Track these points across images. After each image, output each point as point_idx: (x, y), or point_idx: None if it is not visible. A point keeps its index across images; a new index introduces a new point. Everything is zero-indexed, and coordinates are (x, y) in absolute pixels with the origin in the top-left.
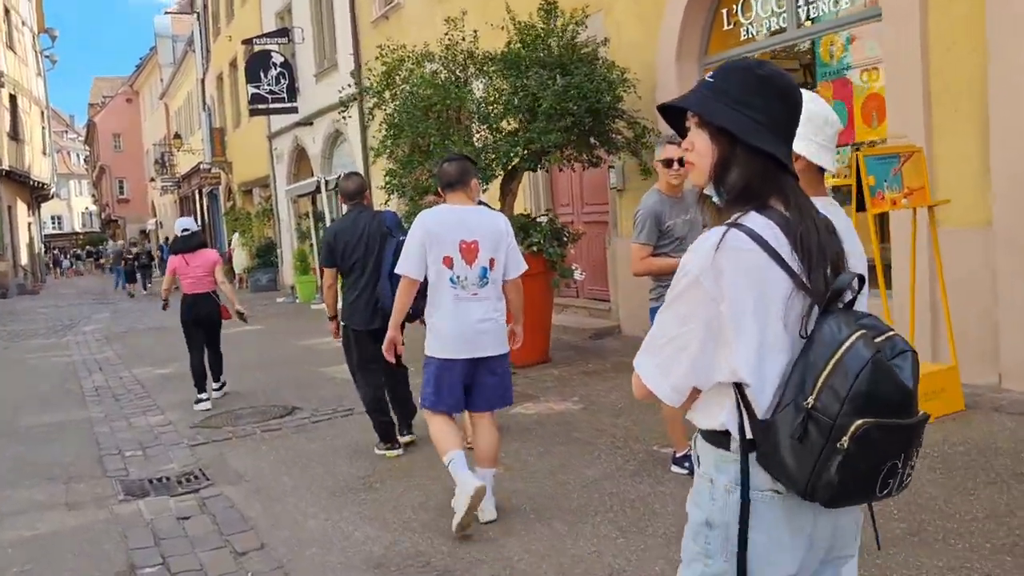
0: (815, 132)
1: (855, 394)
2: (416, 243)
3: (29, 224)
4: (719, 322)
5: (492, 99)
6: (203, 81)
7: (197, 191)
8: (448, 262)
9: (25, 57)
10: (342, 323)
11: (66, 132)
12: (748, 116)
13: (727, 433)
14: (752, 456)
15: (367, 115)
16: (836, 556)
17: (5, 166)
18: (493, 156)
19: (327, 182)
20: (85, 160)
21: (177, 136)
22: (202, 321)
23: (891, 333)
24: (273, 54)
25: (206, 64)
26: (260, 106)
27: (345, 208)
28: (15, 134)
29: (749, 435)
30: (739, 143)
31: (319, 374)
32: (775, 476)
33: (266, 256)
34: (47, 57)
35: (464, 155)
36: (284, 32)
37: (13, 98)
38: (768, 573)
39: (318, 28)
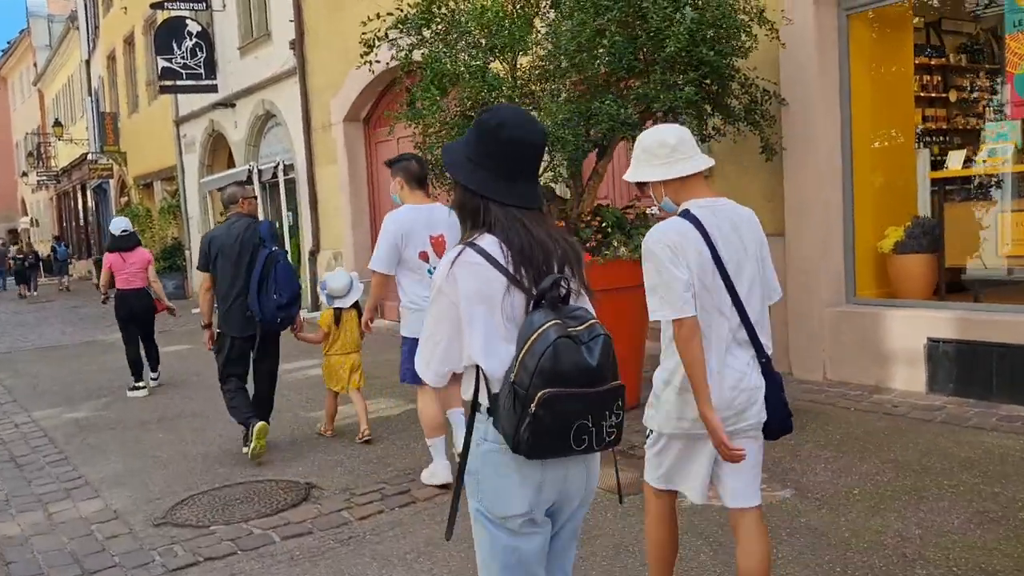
0: (651, 157)
1: (540, 369)
2: (390, 242)
3: None
4: (458, 319)
5: (583, 38)
6: (88, 62)
7: (80, 186)
8: (424, 256)
9: None
10: (217, 330)
11: None
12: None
13: (477, 403)
14: (489, 419)
15: (403, 53)
16: (570, 503)
17: None
18: (591, 120)
19: (260, 171)
20: None
21: (58, 123)
22: (137, 315)
23: (592, 322)
24: (188, 22)
25: (93, 43)
26: (172, 82)
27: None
28: None
29: (487, 403)
30: (460, 187)
31: (307, 420)
32: (502, 435)
33: (172, 259)
34: None
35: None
36: None
37: None
38: (500, 509)
39: None
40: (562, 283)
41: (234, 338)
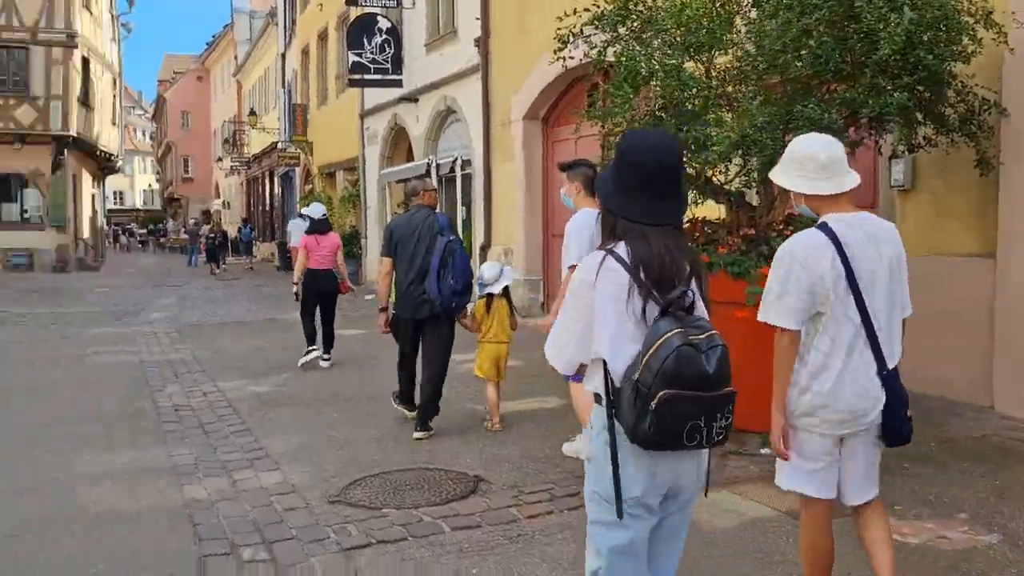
0: (799, 168)
1: (662, 372)
2: (586, 240)
3: (93, 196)
4: (592, 317)
5: (788, 38)
6: (284, 56)
7: (268, 173)
8: None
9: (100, 20)
10: (393, 312)
11: (134, 107)
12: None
13: (599, 394)
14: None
15: (596, 50)
16: (681, 493)
17: (73, 132)
18: (790, 124)
19: (438, 166)
20: (151, 137)
21: (252, 113)
22: (323, 294)
23: (712, 332)
24: (379, 18)
25: (289, 38)
26: (360, 76)
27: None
28: (85, 99)
29: (609, 397)
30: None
31: (476, 413)
32: (622, 425)
33: (349, 247)
34: (123, 25)
35: None
36: None
37: (86, 62)
38: (627, 490)
39: None
40: (687, 295)
41: (406, 320)
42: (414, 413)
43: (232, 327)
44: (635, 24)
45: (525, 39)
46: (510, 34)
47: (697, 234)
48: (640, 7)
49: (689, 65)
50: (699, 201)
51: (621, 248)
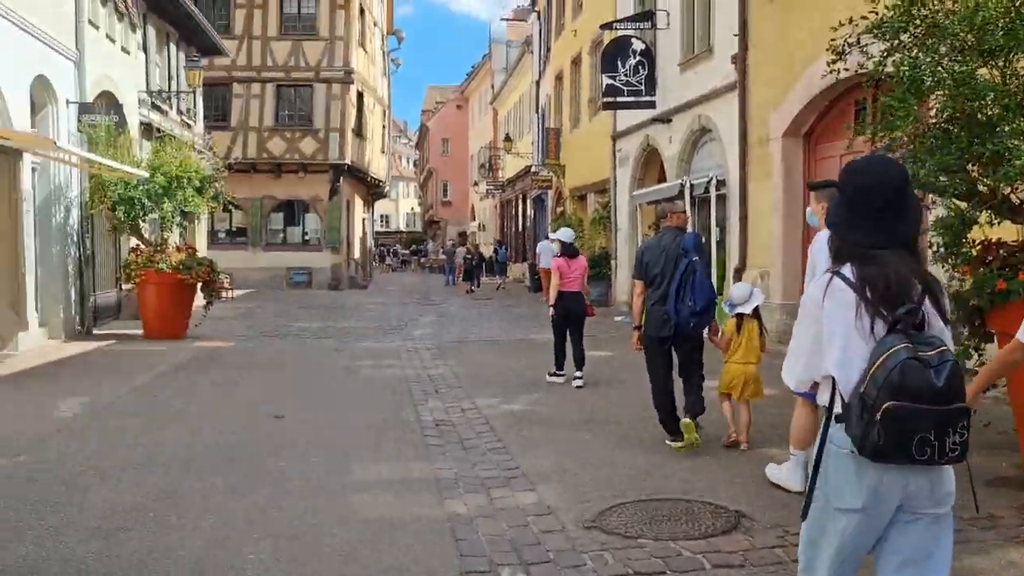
0: None
1: (887, 383)
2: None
3: (363, 220)
4: (821, 337)
5: None
6: (538, 83)
7: (521, 196)
8: None
9: (373, 57)
10: (643, 330)
11: (399, 136)
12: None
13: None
14: (839, 425)
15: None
16: (915, 511)
17: (348, 161)
18: None
19: (692, 186)
20: (414, 163)
21: (507, 138)
22: (573, 315)
23: (943, 348)
24: (633, 41)
25: (543, 65)
26: (614, 99)
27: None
28: (360, 131)
29: (839, 410)
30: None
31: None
32: (850, 438)
33: (598, 268)
34: (392, 60)
35: None
36: (647, 16)
37: (360, 96)
38: (836, 501)
39: (687, 9)
40: (917, 312)
41: (651, 337)
42: (679, 443)
43: (487, 345)
44: (919, 30)
45: (786, 52)
46: (769, 48)
47: (991, 258)
48: (924, 11)
49: (983, 71)
50: (994, 222)
51: (847, 269)
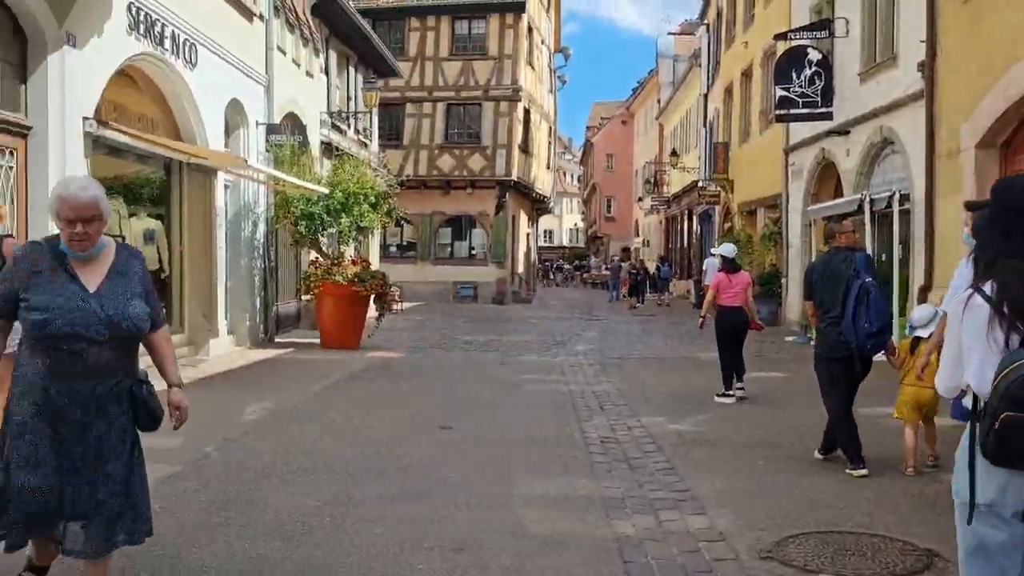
0: None
1: (1007, 394)
2: None
3: (528, 235)
4: (961, 348)
5: None
6: (706, 96)
7: (686, 211)
8: None
9: (541, 74)
10: (815, 351)
11: (564, 152)
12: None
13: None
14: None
15: None
16: None
17: (515, 176)
18: None
19: (872, 201)
20: (578, 179)
21: (674, 153)
22: (733, 329)
23: None
24: (809, 51)
25: (712, 78)
26: (787, 111)
27: None
28: (526, 147)
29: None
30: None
31: (929, 477)
32: (979, 440)
33: (768, 285)
34: (559, 77)
35: None
36: (824, 25)
37: (527, 113)
38: (965, 495)
39: (868, 16)
40: None
41: (827, 359)
42: (861, 471)
43: (651, 363)
44: None
45: (980, 57)
46: (960, 54)
47: None
48: None
49: None
50: None
51: (988, 286)
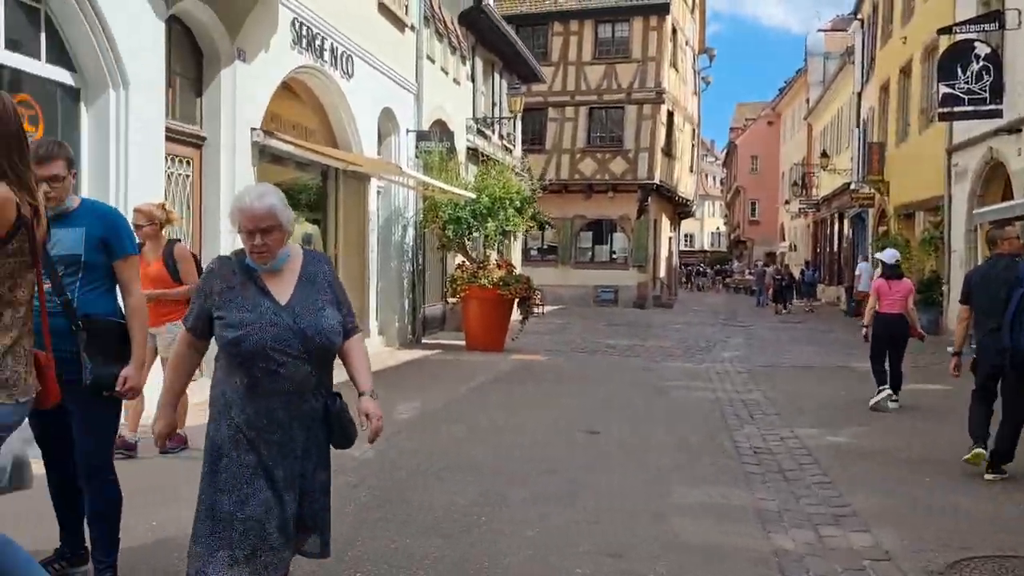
0: None
1: None
2: None
3: (670, 239)
4: None
5: None
6: (859, 95)
7: (837, 214)
8: None
9: (684, 76)
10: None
11: (706, 155)
12: None
13: None
14: None
15: None
16: None
17: (657, 180)
18: None
19: None
20: (721, 182)
21: (824, 154)
22: (891, 337)
23: None
24: (976, 44)
25: (866, 75)
26: (950, 109)
27: None
28: (669, 150)
29: None
30: None
31: None
32: None
33: (927, 292)
34: (703, 79)
35: None
36: (994, 17)
37: (670, 115)
38: None
39: None
40: None
41: (984, 368)
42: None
43: (801, 371)
44: None
45: None
46: None
47: None
48: None
49: None
50: None
51: None
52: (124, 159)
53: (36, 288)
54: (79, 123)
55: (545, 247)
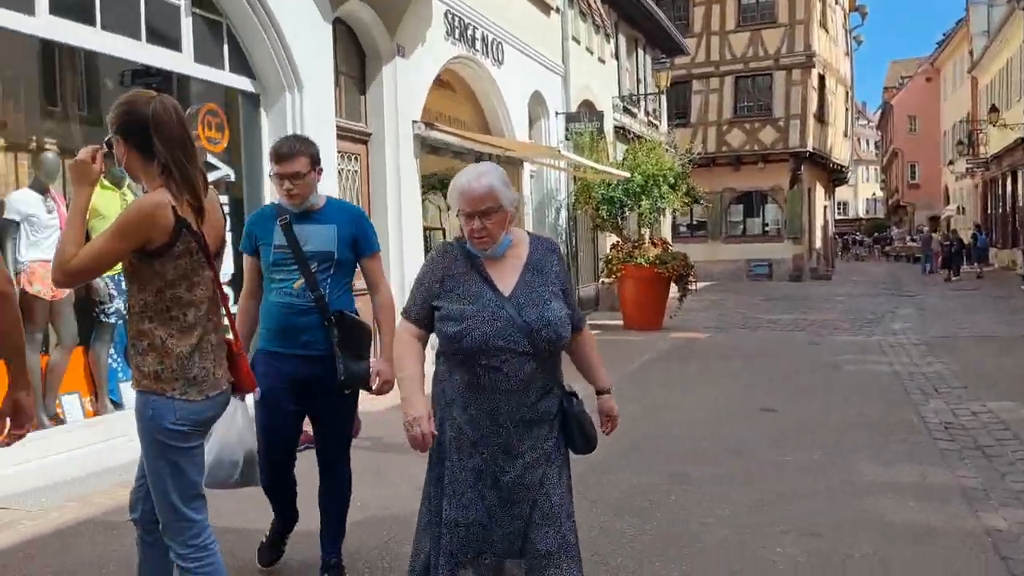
0: None
1: None
2: None
3: (825, 208)
4: None
5: None
6: None
7: (1009, 172)
8: None
9: (835, 37)
10: None
11: (858, 118)
12: None
13: None
14: None
15: None
16: None
17: (810, 147)
18: None
19: None
20: (875, 145)
21: (993, 109)
22: None
23: None
24: None
25: None
26: None
27: None
28: (821, 115)
29: None
30: None
31: None
32: None
33: None
34: (854, 38)
35: None
36: None
37: (821, 79)
38: None
39: None
40: None
41: None
42: None
43: (983, 341)
44: None
45: None
46: None
47: None
48: None
49: None
50: None
51: None
52: None
53: (215, 285)
54: (260, 126)
55: (694, 223)
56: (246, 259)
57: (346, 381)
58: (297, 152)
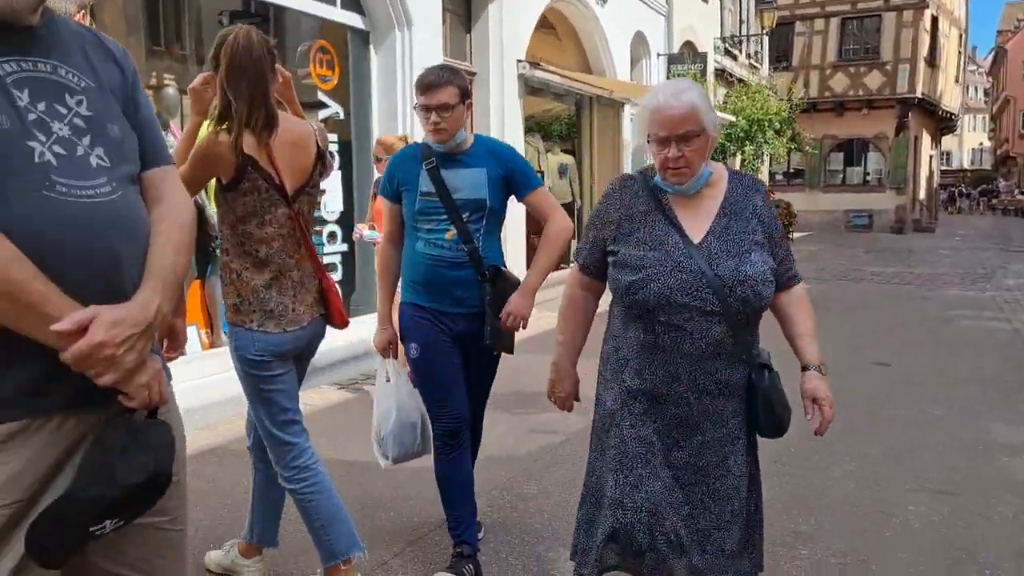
0: None
1: None
2: None
3: (931, 157)
4: None
5: None
6: None
7: None
8: None
9: None
10: None
11: (967, 63)
12: None
13: None
14: None
15: None
16: None
17: (919, 94)
18: None
19: None
20: (984, 92)
21: None
22: None
23: None
24: None
25: None
26: None
27: None
28: (932, 60)
29: None
30: None
31: None
32: None
33: None
34: None
35: None
36: None
37: (935, 20)
38: None
39: None
40: None
41: None
42: None
43: None
44: None
45: None
46: None
47: None
48: None
49: None
50: None
51: None
52: (410, 96)
53: (294, 223)
54: (369, 64)
55: (791, 171)
56: (385, 203)
57: (491, 345)
58: (445, 81)
